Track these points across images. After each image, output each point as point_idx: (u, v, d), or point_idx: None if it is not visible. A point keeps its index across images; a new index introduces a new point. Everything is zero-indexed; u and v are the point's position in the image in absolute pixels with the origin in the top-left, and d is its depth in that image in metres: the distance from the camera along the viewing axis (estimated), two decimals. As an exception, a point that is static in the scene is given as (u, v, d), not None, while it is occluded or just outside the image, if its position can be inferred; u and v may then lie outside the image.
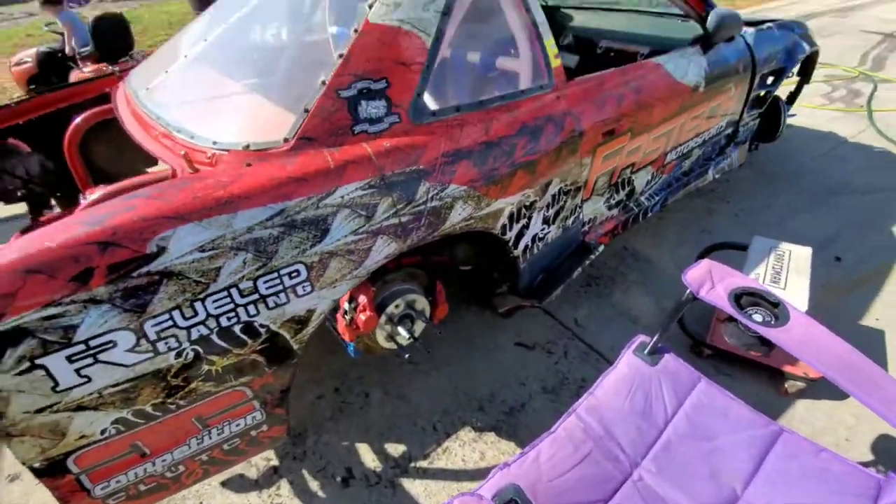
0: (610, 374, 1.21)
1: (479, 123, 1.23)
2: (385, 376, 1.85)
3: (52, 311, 0.77)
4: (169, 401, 0.91)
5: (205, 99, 1.30)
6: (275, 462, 1.58)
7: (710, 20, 1.87)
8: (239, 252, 0.90)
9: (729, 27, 1.89)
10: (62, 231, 0.81)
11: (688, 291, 1.19)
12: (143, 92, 1.42)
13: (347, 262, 1.03)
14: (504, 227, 1.36)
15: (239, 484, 1.54)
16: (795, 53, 2.46)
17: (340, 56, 1.06)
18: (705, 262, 1.23)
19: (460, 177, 1.18)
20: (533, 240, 1.51)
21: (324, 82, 1.05)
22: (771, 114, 2.70)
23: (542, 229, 1.53)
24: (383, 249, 1.08)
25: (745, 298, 1.13)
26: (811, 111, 3.93)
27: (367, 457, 1.59)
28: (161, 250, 0.84)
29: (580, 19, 2.76)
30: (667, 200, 2.18)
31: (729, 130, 2.40)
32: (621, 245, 2.44)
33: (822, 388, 1.65)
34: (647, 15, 2.58)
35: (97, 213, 0.83)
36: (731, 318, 1.62)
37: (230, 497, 1.49)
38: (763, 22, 2.44)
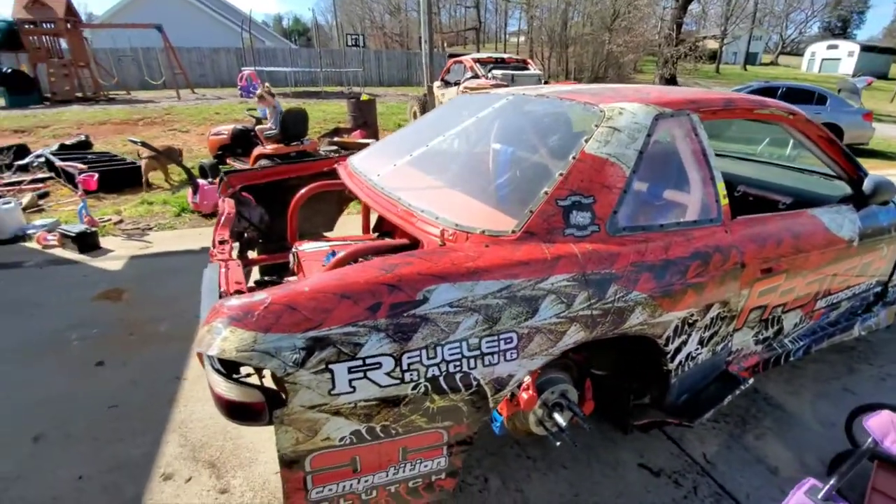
0: (782, 509, 1.17)
1: (660, 242, 1.42)
2: (502, 465, 1.88)
3: (350, 329, 1.00)
4: (394, 425, 1.08)
5: (440, 189, 1.64)
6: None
7: (867, 184, 1.98)
8: (474, 313, 1.11)
9: (886, 192, 1.98)
10: (364, 270, 1.08)
11: (869, 439, 1.17)
12: (376, 177, 1.82)
13: (547, 339, 1.20)
14: (668, 338, 1.46)
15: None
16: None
17: (561, 174, 1.34)
18: (887, 413, 1.22)
19: (642, 285, 1.34)
20: (687, 357, 1.58)
21: (546, 192, 1.32)
22: (923, 281, 2.60)
23: (696, 349, 1.60)
24: (574, 335, 1.24)
25: (944, 460, 1.09)
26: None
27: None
28: (425, 300, 1.07)
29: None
30: (810, 348, 2.13)
31: (878, 289, 2.35)
32: (752, 387, 2.35)
33: None
34: (785, 169, 2.74)
35: (390, 262, 1.11)
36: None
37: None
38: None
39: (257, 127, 6.12)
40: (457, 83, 9.50)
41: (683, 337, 1.51)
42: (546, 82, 9.26)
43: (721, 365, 1.79)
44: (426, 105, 10.12)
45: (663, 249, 1.41)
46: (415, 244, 1.43)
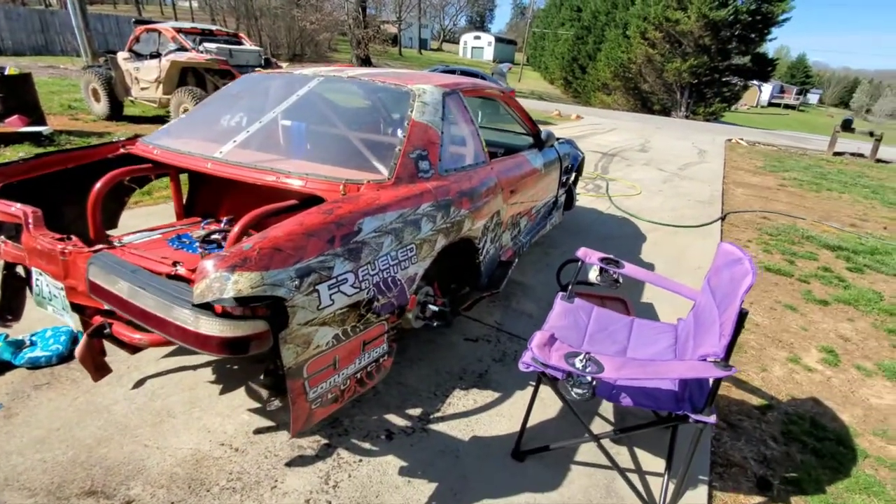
0: (553, 311, 2.15)
1: (466, 177, 2.17)
2: (379, 374, 2.40)
3: (321, 258, 1.33)
4: (357, 324, 1.46)
5: (301, 159, 1.90)
6: (325, 441, 1.97)
7: (543, 134, 3.29)
8: (388, 235, 1.58)
9: (552, 139, 3.34)
10: (313, 216, 1.39)
11: (580, 262, 2.27)
12: (219, 154, 1.91)
13: (429, 246, 1.78)
14: (479, 239, 2.26)
15: (301, 461, 1.88)
16: (577, 157, 4.18)
17: (405, 136, 1.89)
18: (583, 248, 2.35)
19: (465, 205, 2.07)
20: (487, 252, 2.44)
21: (400, 149, 1.85)
22: (569, 193, 4.36)
23: (490, 246, 2.48)
24: (441, 242, 1.86)
25: (605, 260, 2.26)
26: (578, 196, 6.08)
27: (397, 420, 2.11)
28: (360, 230, 1.48)
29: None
30: (531, 240, 3.41)
31: (554, 199, 3.86)
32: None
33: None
34: (499, 131, 4.02)
35: (325, 207, 1.44)
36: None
37: (300, 472, 1.82)
38: (558, 139, 4.12)
39: None
40: (153, 56, 8.18)
41: (485, 238, 2.35)
42: (269, 60, 9.00)
43: (498, 256, 2.77)
44: (111, 80, 8.35)
45: (468, 181, 2.17)
46: (303, 204, 1.73)
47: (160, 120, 8.48)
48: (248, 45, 8.89)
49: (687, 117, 26.08)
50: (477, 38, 60.14)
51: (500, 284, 2.50)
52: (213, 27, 9.04)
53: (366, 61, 30.47)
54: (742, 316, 1.35)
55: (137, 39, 8.66)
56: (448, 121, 2.22)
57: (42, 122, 7.19)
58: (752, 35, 24.39)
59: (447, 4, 62.21)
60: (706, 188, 7.48)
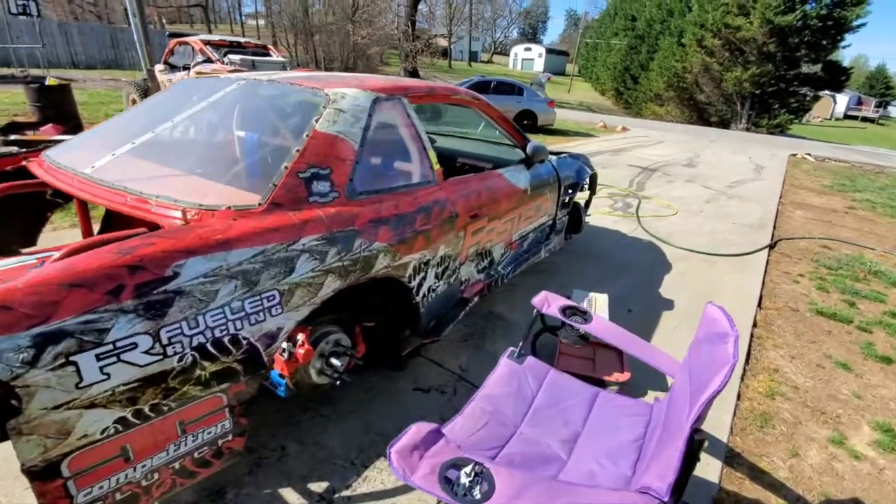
0: (494, 373, 1.69)
1: (391, 202, 1.76)
2: (297, 429, 2.01)
3: (88, 317, 0.97)
4: (164, 402, 1.09)
5: (174, 175, 1.58)
6: (195, 519, 1.60)
7: (529, 149, 2.81)
8: (232, 279, 1.20)
9: (541, 154, 2.86)
10: (97, 256, 1.03)
11: (535, 310, 1.78)
12: (90, 170, 1.62)
13: (307, 291, 1.38)
14: (410, 276, 1.84)
15: (159, 545, 1.52)
16: (582, 174, 3.65)
17: (298, 151, 1.52)
18: (543, 292, 1.86)
19: (381, 236, 1.66)
20: (429, 290, 2.01)
21: (286, 167, 1.48)
22: (575, 214, 3.82)
23: (435, 283, 2.04)
24: (332, 284, 1.46)
25: (568, 311, 1.76)
26: (601, 216, 5.46)
27: (292, 497, 1.71)
28: (176, 275, 1.10)
29: (441, 142, 3.67)
30: (516, 270, 2.92)
31: (550, 222, 3.36)
32: (488, 310, 3.08)
33: (628, 388, 2.36)
34: (487, 143, 3.58)
35: (125, 245, 1.08)
36: (560, 326, 2.29)
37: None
38: (560, 153, 3.60)
39: None
40: (185, 67, 8.42)
41: (422, 274, 1.92)
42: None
43: (457, 293, 2.32)
44: (148, 92, 8.67)
45: (395, 207, 1.76)
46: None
47: (188, 130, 8.67)
48: (275, 57, 8.96)
49: (748, 129, 24.17)
50: (527, 49, 59.58)
51: (442, 331, 2.05)
52: (242, 39, 9.21)
53: (413, 74, 30.81)
54: (696, 443, 0.85)
55: (172, 52, 8.96)
56: (377, 132, 1.83)
57: (78, 131, 7.52)
58: (824, 41, 22.29)
59: (499, 17, 62.36)
60: (757, 209, 6.60)
